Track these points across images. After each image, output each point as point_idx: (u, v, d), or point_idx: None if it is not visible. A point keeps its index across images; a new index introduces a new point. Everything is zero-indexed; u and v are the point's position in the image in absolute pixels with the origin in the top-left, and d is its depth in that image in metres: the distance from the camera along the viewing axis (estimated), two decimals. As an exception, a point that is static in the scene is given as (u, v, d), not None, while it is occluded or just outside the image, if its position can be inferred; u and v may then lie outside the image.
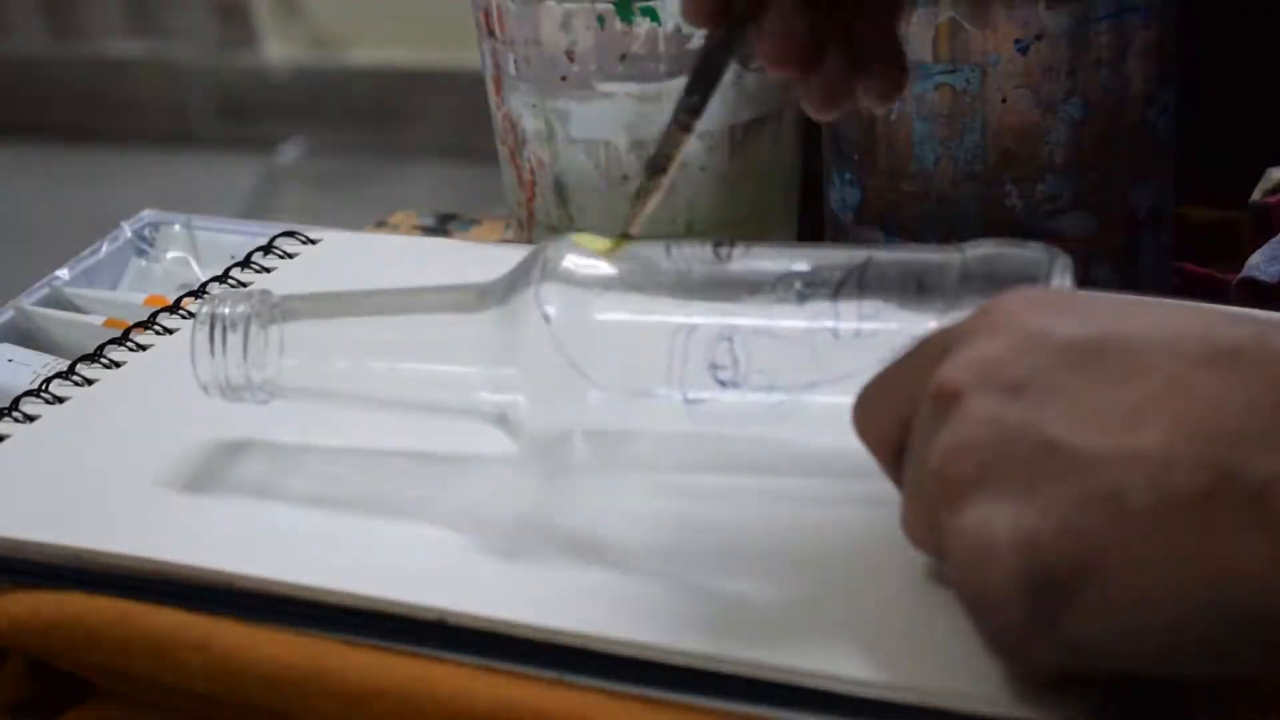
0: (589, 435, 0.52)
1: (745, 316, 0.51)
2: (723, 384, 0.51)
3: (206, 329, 0.55)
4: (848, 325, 0.50)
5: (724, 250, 0.52)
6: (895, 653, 0.46)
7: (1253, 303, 0.66)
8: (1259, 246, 0.69)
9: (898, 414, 0.47)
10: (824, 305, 0.50)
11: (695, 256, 0.52)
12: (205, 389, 0.55)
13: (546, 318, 0.51)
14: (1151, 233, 0.69)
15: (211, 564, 0.52)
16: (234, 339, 0.55)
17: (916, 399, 0.46)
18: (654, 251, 0.53)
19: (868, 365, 0.48)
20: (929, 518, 0.45)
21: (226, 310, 0.55)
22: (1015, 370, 0.43)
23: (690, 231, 0.73)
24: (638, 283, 0.52)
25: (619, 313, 0.52)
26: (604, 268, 0.52)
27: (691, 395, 0.51)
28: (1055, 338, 0.44)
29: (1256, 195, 0.72)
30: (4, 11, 2.92)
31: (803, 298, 0.51)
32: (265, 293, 0.55)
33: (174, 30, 2.85)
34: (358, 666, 0.49)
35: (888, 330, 0.50)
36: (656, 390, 0.51)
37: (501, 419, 0.53)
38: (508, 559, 0.52)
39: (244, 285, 0.68)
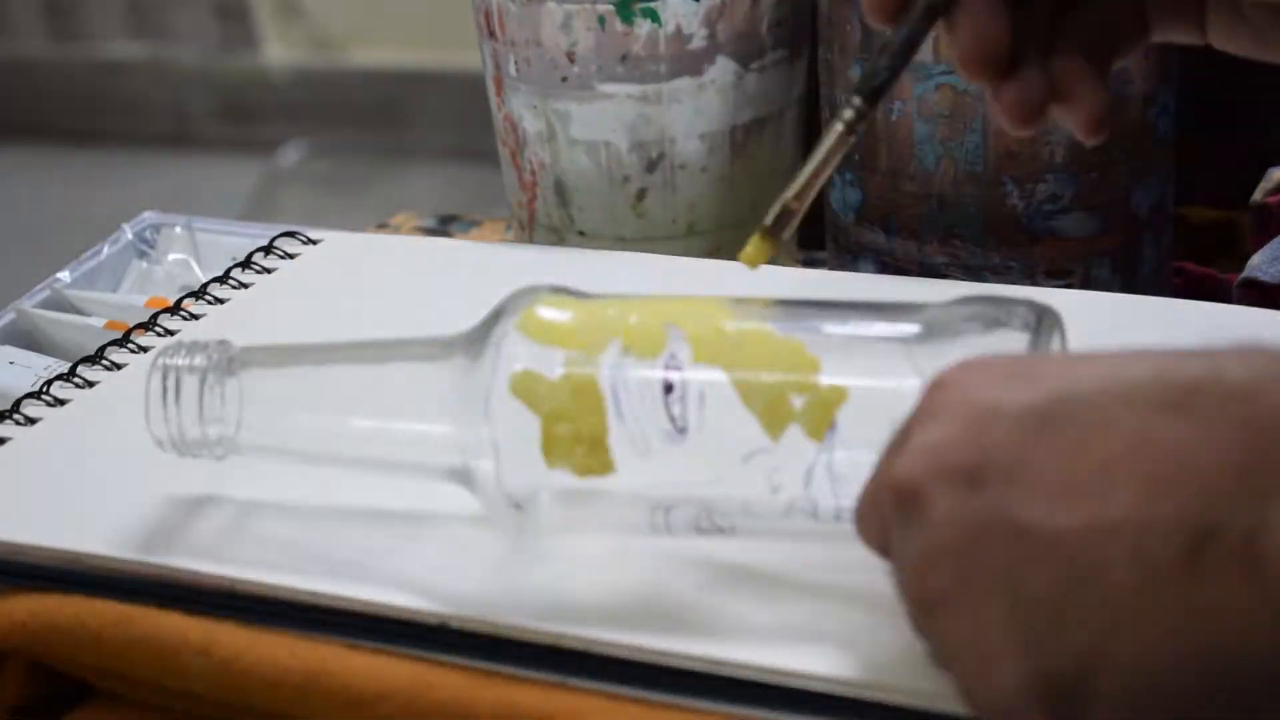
0: (556, 495, 0.50)
1: (720, 502, 0.49)
2: (702, 530, 0.50)
3: (159, 380, 0.52)
4: (826, 506, 0.48)
5: (678, 415, 0.48)
6: (897, 657, 0.46)
7: (1254, 303, 0.66)
8: (1259, 246, 0.69)
9: (880, 514, 0.44)
10: (798, 492, 0.48)
11: (647, 413, 0.49)
12: (159, 444, 0.52)
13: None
14: (1151, 233, 0.69)
15: (213, 568, 0.52)
16: (188, 393, 0.51)
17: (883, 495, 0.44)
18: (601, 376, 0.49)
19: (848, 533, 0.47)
20: (913, 622, 0.44)
21: (181, 362, 0.52)
22: (969, 454, 0.41)
23: (691, 232, 0.73)
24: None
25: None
26: (560, 393, 0.49)
27: (678, 537, 0.50)
28: (1005, 409, 0.41)
29: (1257, 195, 0.72)
30: (4, 13, 2.92)
31: (776, 491, 0.48)
32: (224, 343, 0.52)
33: (174, 31, 2.85)
34: (359, 670, 0.49)
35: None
36: (640, 536, 0.50)
37: (466, 478, 0.51)
38: (508, 563, 0.52)
39: (244, 286, 0.68)
